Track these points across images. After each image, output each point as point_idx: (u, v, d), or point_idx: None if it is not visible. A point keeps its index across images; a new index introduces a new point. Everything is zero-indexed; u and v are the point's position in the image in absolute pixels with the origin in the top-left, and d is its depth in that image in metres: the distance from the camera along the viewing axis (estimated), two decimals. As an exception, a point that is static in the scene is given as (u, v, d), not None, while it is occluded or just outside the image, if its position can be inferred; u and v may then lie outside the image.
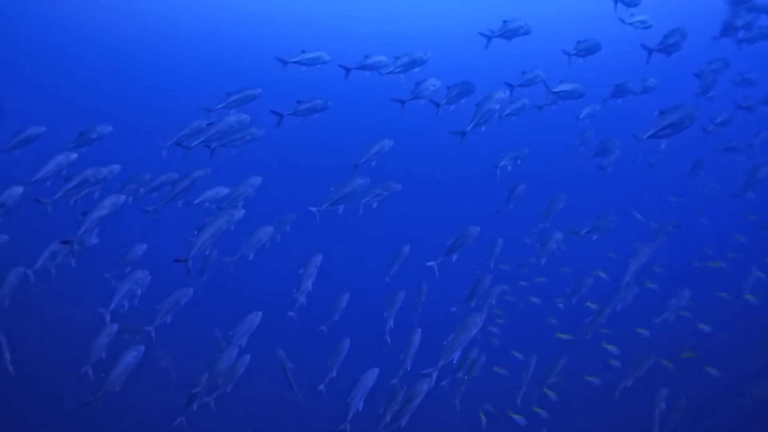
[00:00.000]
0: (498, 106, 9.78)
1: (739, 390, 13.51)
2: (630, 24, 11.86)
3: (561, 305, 14.45)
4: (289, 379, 10.79)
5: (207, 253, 11.33)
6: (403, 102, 10.12)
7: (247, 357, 10.21)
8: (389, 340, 10.67)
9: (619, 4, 11.98)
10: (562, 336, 13.14)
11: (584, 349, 13.24)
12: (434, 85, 10.22)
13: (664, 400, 10.92)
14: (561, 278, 15.79)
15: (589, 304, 13.51)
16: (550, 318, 15.56)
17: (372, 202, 10.41)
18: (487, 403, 13.57)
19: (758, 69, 15.45)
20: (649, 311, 13.19)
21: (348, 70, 10.59)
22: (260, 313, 9.83)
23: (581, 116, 12.23)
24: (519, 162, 11.60)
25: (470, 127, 9.59)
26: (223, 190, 10.42)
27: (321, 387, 9.97)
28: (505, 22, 10.79)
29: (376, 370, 8.96)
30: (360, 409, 8.71)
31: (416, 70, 10.64)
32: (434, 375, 8.37)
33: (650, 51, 11.03)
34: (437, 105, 9.96)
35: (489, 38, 10.92)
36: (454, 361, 8.57)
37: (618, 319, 14.36)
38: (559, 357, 12.62)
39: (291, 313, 10.80)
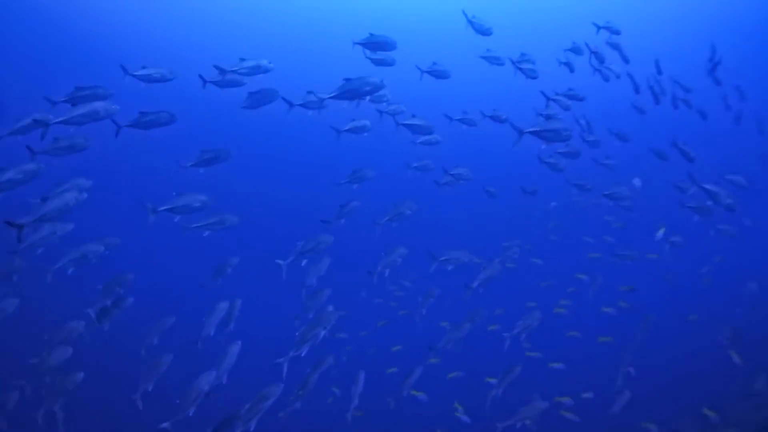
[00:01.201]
0: (369, 89, 9.96)
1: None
2: (484, 58, 12.65)
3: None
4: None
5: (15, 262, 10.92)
6: (245, 108, 10.45)
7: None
8: (200, 345, 10.73)
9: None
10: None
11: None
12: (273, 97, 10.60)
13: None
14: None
15: (432, 361, 14.12)
16: (389, 369, 16.13)
17: (204, 230, 10.53)
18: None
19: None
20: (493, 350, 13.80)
21: (205, 82, 10.59)
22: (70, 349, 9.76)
23: (418, 141, 12.72)
24: (356, 185, 12.05)
25: (329, 96, 9.80)
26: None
27: (135, 397, 9.88)
28: (371, 34, 10.92)
29: (213, 372, 8.91)
30: (191, 414, 8.57)
31: (261, 76, 10.75)
32: (285, 366, 8.50)
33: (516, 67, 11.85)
34: (326, 99, 10.08)
35: (360, 45, 11.07)
36: (302, 354, 8.72)
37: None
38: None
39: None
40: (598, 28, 14.45)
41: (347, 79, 9.84)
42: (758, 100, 18.92)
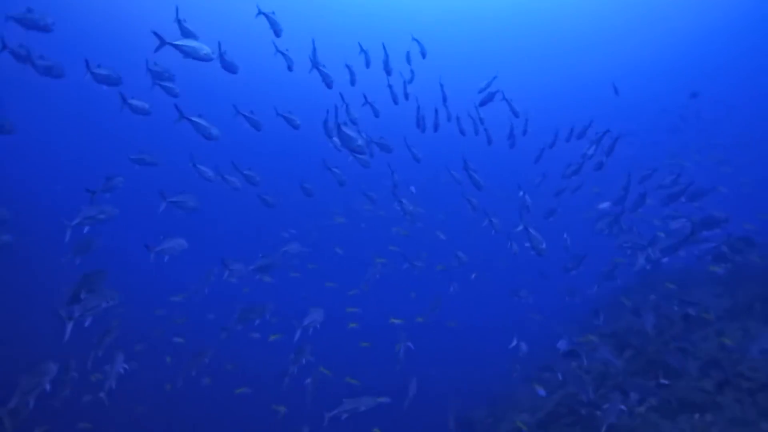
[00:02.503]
0: (204, 54, 10.42)
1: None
2: (281, 52, 13.16)
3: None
4: None
5: None
6: None
7: None
8: None
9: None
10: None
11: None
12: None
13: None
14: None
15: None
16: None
17: None
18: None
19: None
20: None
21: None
22: None
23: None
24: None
25: (173, 42, 10.14)
26: None
27: None
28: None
29: None
30: None
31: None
32: (68, 329, 8.58)
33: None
34: (168, 44, 10.20)
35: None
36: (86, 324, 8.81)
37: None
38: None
39: None
40: (413, 39, 15.82)
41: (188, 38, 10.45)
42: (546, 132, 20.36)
